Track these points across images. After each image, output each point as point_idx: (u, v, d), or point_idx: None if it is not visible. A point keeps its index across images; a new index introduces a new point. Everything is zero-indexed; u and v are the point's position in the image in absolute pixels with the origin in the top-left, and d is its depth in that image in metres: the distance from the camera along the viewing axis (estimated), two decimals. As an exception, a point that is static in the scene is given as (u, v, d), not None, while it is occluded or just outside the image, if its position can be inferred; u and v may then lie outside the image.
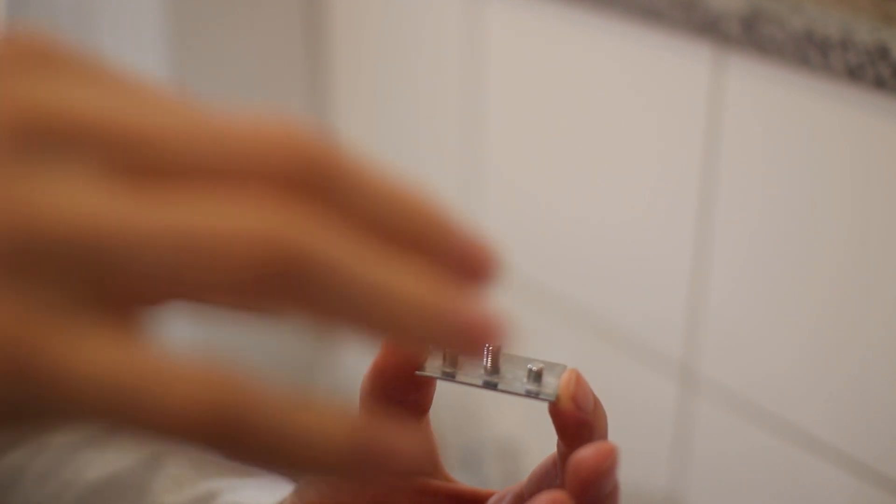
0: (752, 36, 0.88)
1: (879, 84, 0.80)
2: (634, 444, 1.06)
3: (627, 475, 1.16)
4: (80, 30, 1.47)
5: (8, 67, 0.21)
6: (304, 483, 0.41)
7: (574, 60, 1.08)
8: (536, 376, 0.36)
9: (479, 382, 0.37)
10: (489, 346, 0.37)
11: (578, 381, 0.36)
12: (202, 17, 1.36)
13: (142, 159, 0.21)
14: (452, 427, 1.24)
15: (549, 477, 0.38)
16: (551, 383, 0.36)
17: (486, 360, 0.37)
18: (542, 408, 0.38)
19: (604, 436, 0.37)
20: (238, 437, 0.21)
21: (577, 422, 0.37)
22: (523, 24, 1.13)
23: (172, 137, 0.21)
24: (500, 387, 0.37)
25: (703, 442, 1.02)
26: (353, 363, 1.40)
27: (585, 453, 0.35)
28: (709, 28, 0.91)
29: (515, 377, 0.37)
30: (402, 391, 0.39)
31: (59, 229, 0.21)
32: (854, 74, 0.82)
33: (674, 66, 0.98)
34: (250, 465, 0.22)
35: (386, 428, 0.23)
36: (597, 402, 0.37)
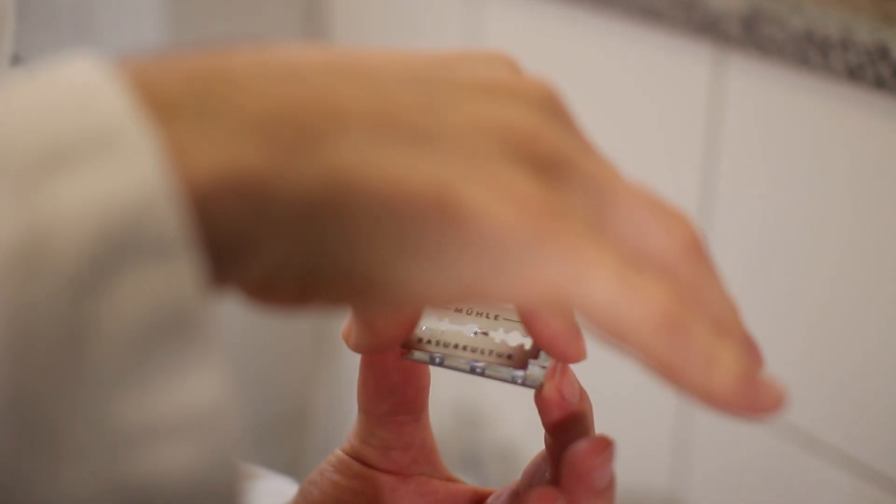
0: (752, 36, 0.88)
1: (879, 84, 0.80)
2: (634, 444, 1.06)
3: (627, 475, 1.16)
4: (79, 26, 1.47)
5: (534, 100, 0.29)
6: (308, 483, 0.41)
7: (574, 60, 1.08)
8: (524, 363, 0.36)
9: (466, 368, 0.36)
10: (477, 330, 0.37)
11: (564, 370, 0.36)
12: (202, 17, 1.36)
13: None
14: (453, 430, 1.24)
15: (540, 472, 0.38)
16: (538, 371, 0.36)
17: (474, 345, 0.36)
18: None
19: (590, 427, 0.37)
20: (671, 338, 0.26)
21: (561, 411, 0.36)
22: (523, 23, 1.13)
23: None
24: (486, 372, 0.36)
25: (703, 442, 1.03)
26: (354, 361, 1.40)
27: (581, 447, 0.35)
28: (709, 28, 0.91)
29: (501, 365, 0.36)
30: (395, 383, 0.39)
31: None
32: (854, 74, 0.82)
33: (674, 66, 0.98)
34: (656, 366, 0.27)
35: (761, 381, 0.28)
36: (583, 394, 0.37)
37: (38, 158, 0.23)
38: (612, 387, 1.08)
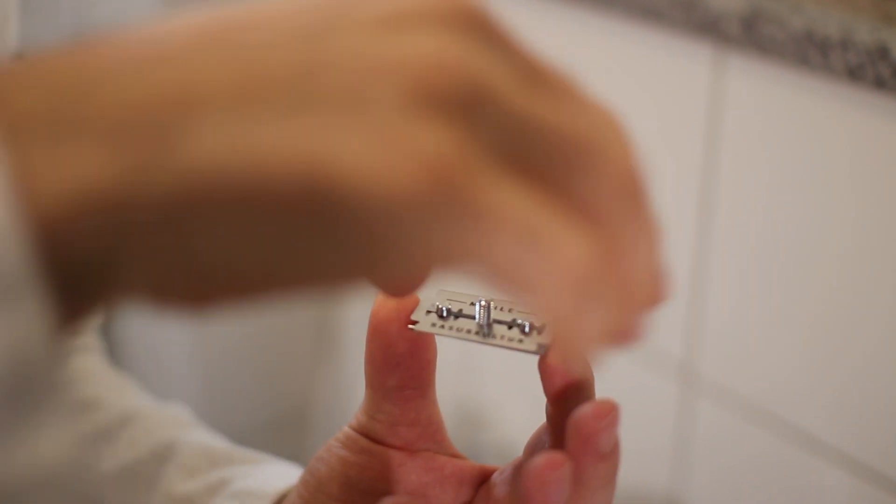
0: (752, 36, 0.88)
1: (879, 84, 0.80)
2: (634, 444, 1.06)
3: (628, 475, 1.16)
4: (81, 24, 1.47)
5: (451, 22, 0.26)
6: (316, 459, 0.41)
7: (573, 60, 1.08)
8: (526, 331, 0.36)
9: (471, 336, 0.36)
10: (482, 301, 0.37)
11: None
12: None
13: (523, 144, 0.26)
14: (453, 430, 1.24)
15: (541, 445, 0.38)
16: (541, 339, 0.36)
17: (479, 316, 0.36)
18: (545, 410, 0.38)
19: (592, 396, 0.36)
20: (588, 299, 0.25)
21: (563, 379, 0.36)
22: (522, 24, 1.13)
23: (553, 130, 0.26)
24: (490, 340, 0.36)
25: (703, 442, 1.03)
26: (354, 361, 1.40)
27: (585, 410, 0.34)
28: (709, 28, 0.92)
29: (505, 332, 0.36)
30: (401, 354, 0.38)
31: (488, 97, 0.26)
32: (854, 74, 0.82)
33: (674, 66, 0.98)
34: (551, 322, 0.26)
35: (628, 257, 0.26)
36: (586, 363, 0.37)
37: None
38: (612, 387, 1.08)
